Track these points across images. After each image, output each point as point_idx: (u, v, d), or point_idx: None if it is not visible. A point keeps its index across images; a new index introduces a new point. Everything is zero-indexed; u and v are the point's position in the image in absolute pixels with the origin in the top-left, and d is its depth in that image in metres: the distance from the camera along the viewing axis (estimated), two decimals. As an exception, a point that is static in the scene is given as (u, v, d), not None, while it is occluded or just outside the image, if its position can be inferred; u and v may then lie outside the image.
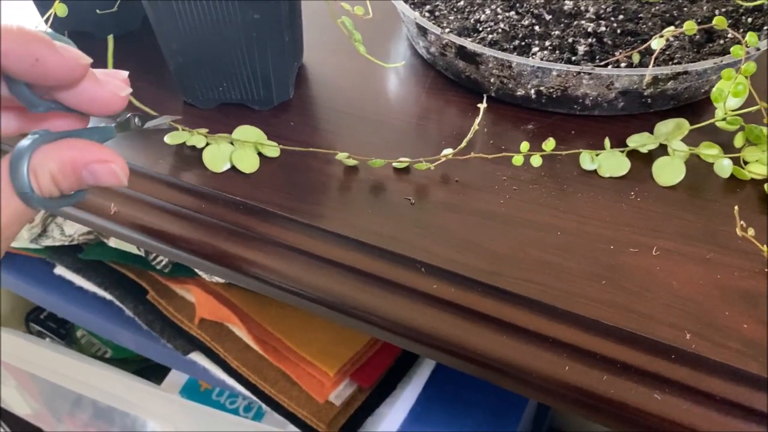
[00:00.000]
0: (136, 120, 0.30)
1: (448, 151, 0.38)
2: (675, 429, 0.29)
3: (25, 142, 0.24)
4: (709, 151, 0.37)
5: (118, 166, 0.25)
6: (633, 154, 0.38)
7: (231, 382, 0.63)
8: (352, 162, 0.39)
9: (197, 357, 0.64)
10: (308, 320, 0.60)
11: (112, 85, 0.26)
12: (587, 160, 0.38)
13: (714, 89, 0.37)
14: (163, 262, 0.63)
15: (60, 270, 0.70)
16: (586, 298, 0.31)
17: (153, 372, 0.73)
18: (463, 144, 0.38)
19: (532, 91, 0.41)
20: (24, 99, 0.24)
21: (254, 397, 0.62)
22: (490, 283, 0.32)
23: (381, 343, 0.61)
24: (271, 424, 0.65)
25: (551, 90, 0.41)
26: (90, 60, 0.24)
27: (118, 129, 0.28)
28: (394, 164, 0.39)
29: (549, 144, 0.38)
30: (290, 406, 0.59)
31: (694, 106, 0.42)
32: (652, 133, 0.40)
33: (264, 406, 0.62)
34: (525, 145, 0.38)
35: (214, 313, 0.62)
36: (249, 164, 0.39)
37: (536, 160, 0.38)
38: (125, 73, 0.27)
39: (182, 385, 0.71)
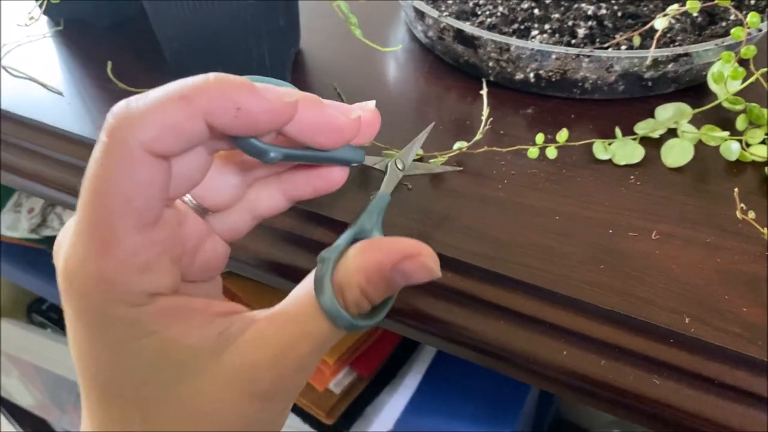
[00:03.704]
0: (397, 164, 0.26)
1: (462, 144, 0.37)
2: (674, 413, 0.28)
3: (327, 255, 0.22)
4: (717, 133, 0.37)
5: (428, 256, 0.22)
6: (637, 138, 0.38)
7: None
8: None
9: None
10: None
11: (336, 109, 0.23)
12: (601, 150, 0.37)
13: (712, 72, 0.36)
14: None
15: (60, 260, 0.70)
16: (584, 282, 0.31)
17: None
18: (478, 137, 0.37)
19: (531, 75, 0.41)
20: (252, 150, 0.22)
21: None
22: (489, 268, 0.32)
23: (380, 331, 0.61)
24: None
25: (550, 74, 0.40)
26: (298, 95, 0.22)
27: (389, 187, 0.26)
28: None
29: (562, 135, 0.37)
30: (290, 394, 0.59)
31: (696, 89, 0.42)
32: (653, 117, 0.40)
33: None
34: (540, 137, 0.37)
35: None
36: None
37: (552, 152, 0.37)
38: (371, 103, 0.23)
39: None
